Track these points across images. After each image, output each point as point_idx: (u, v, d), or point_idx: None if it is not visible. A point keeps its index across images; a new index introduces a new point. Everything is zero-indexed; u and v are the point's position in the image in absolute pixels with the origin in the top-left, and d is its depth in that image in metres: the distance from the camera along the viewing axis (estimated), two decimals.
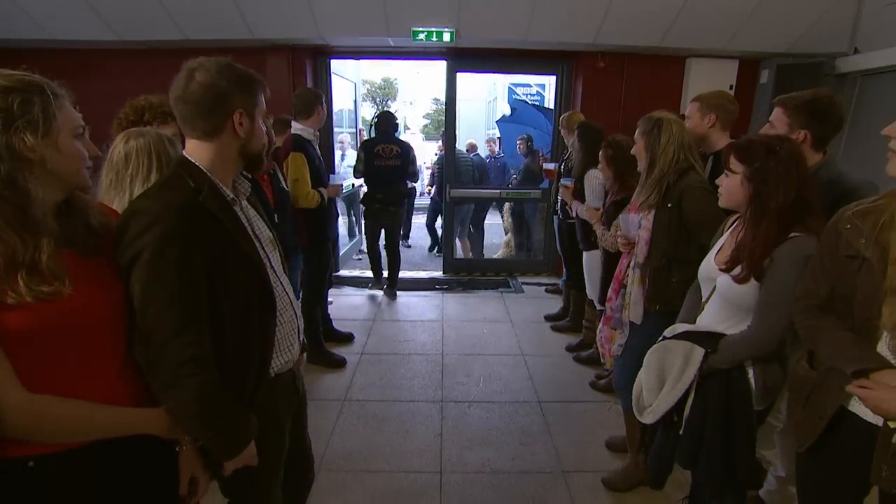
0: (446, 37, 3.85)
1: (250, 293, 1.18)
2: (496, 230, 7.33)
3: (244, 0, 3.60)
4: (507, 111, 9.66)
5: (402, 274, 5.05)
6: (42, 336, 0.89)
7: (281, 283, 1.30)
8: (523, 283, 4.90)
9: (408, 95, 22.47)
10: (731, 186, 1.47)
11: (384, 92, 22.64)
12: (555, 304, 4.18)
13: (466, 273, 5.18)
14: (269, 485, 1.37)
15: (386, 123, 4.21)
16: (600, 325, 2.46)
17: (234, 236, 1.14)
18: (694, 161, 1.98)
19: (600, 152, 2.76)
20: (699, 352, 1.47)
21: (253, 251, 1.19)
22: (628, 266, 2.18)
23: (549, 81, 6.09)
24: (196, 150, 1.13)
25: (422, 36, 3.84)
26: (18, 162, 0.86)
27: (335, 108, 5.13)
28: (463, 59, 4.52)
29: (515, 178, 5.80)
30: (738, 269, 1.42)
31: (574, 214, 3.22)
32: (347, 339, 3.60)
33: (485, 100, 9.95)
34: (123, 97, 2.70)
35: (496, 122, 6.71)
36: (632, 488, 2.15)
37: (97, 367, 0.98)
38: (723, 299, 1.52)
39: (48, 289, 0.86)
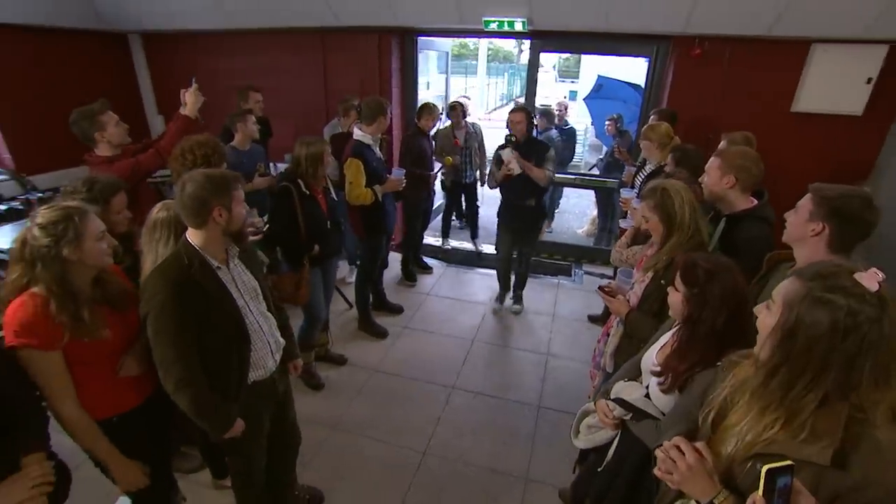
0: (518, 26, 3.76)
1: (229, 332, 1.67)
2: (581, 205, 7.13)
3: None
4: None
5: (472, 247, 5.37)
6: (100, 356, 1.51)
7: (257, 320, 1.77)
8: (585, 273, 4.88)
9: None
10: (674, 302, 1.52)
11: None
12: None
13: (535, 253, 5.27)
14: (252, 448, 1.93)
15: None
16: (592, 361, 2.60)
17: (214, 297, 1.61)
18: (704, 234, 1.93)
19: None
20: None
21: (230, 305, 1.65)
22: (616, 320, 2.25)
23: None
24: (192, 235, 1.60)
25: (493, 25, 3.80)
26: (64, 264, 1.40)
27: (421, 79, 5.28)
28: (548, 38, 4.32)
29: (601, 161, 5.51)
30: (664, 378, 1.51)
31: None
32: (397, 311, 4.11)
33: None
34: (235, 73, 3.34)
35: (583, 99, 6.17)
36: None
37: (111, 370, 1.58)
38: (652, 396, 1.62)
39: (95, 334, 1.45)
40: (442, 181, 5.09)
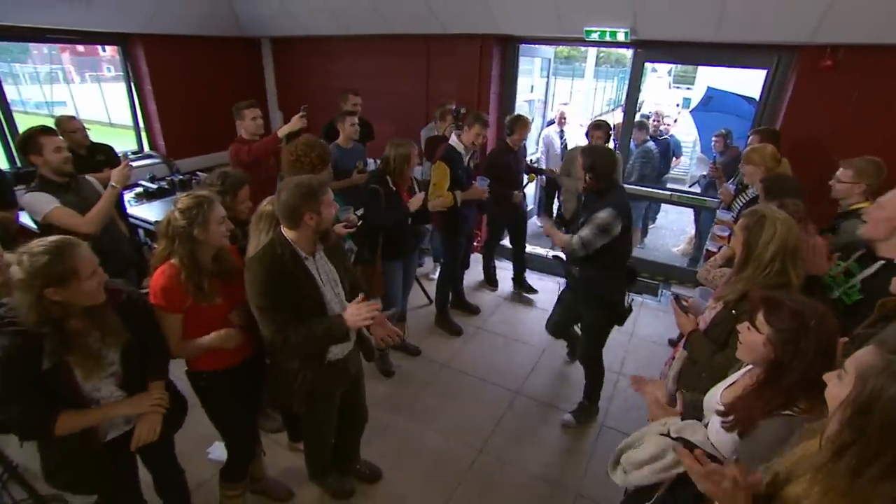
0: (620, 36, 3.67)
1: (313, 313, 1.89)
2: (680, 222, 6.71)
3: (436, 2, 4.14)
4: None
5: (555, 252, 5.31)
6: (212, 318, 1.84)
7: (334, 308, 1.98)
8: (673, 294, 4.60)
9: None
10: (751, 343, 1.40)
11: None
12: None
13: None
14: (323, 420, 2.19)
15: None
16: None
17: (300, 283, 1.85)
18: (792, 277, 1.80)
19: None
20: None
21: (313, 290, 1.88)
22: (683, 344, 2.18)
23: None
24: (286, 231, 1.86)
25: (595, 36, 3.74)
26: (194, 243, 1.72)
27: (525, 81, 5.30)
28: (654, 48, 4.13)
29: (705, 178, 5.15)
30: (730, 418, 1.42)
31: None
32: (474, 311, 4.23)
33: None
34: (345, 75, 3.69)
35: (690, 112, 5.74)
36: None
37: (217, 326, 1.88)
38: (711, 434, 1.57)
39: (211, 300, 1.78)
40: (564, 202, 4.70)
